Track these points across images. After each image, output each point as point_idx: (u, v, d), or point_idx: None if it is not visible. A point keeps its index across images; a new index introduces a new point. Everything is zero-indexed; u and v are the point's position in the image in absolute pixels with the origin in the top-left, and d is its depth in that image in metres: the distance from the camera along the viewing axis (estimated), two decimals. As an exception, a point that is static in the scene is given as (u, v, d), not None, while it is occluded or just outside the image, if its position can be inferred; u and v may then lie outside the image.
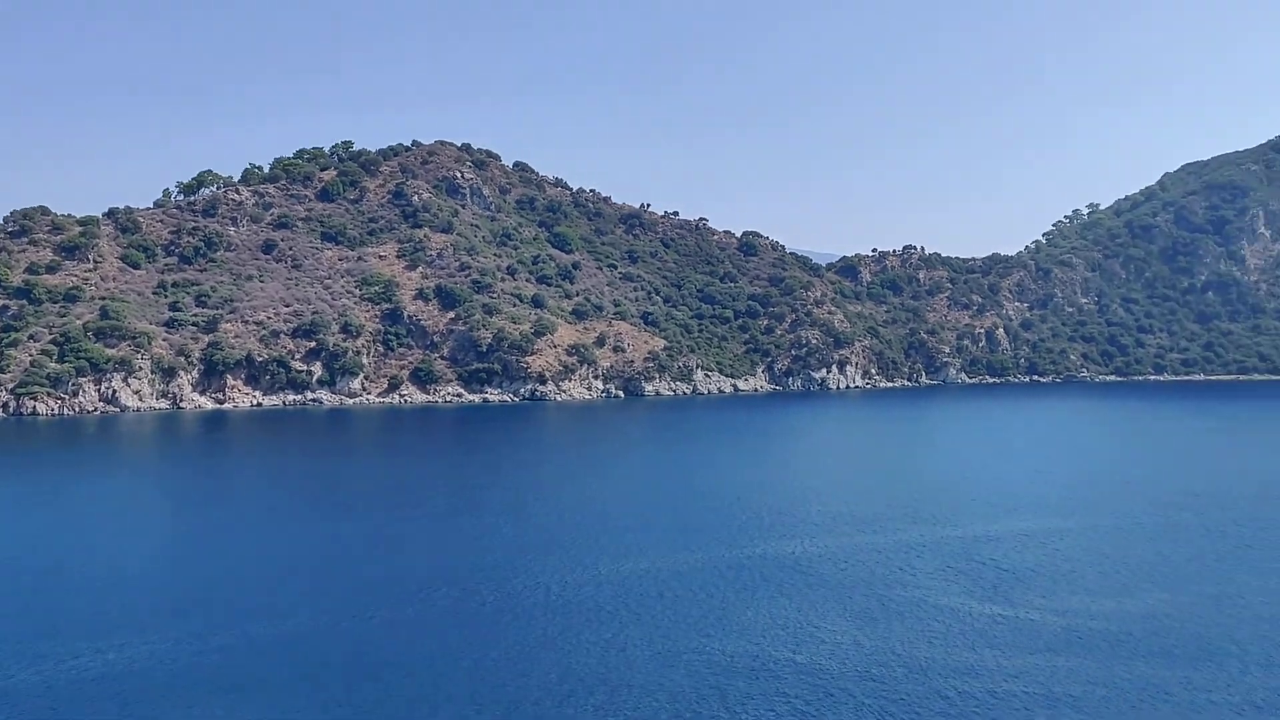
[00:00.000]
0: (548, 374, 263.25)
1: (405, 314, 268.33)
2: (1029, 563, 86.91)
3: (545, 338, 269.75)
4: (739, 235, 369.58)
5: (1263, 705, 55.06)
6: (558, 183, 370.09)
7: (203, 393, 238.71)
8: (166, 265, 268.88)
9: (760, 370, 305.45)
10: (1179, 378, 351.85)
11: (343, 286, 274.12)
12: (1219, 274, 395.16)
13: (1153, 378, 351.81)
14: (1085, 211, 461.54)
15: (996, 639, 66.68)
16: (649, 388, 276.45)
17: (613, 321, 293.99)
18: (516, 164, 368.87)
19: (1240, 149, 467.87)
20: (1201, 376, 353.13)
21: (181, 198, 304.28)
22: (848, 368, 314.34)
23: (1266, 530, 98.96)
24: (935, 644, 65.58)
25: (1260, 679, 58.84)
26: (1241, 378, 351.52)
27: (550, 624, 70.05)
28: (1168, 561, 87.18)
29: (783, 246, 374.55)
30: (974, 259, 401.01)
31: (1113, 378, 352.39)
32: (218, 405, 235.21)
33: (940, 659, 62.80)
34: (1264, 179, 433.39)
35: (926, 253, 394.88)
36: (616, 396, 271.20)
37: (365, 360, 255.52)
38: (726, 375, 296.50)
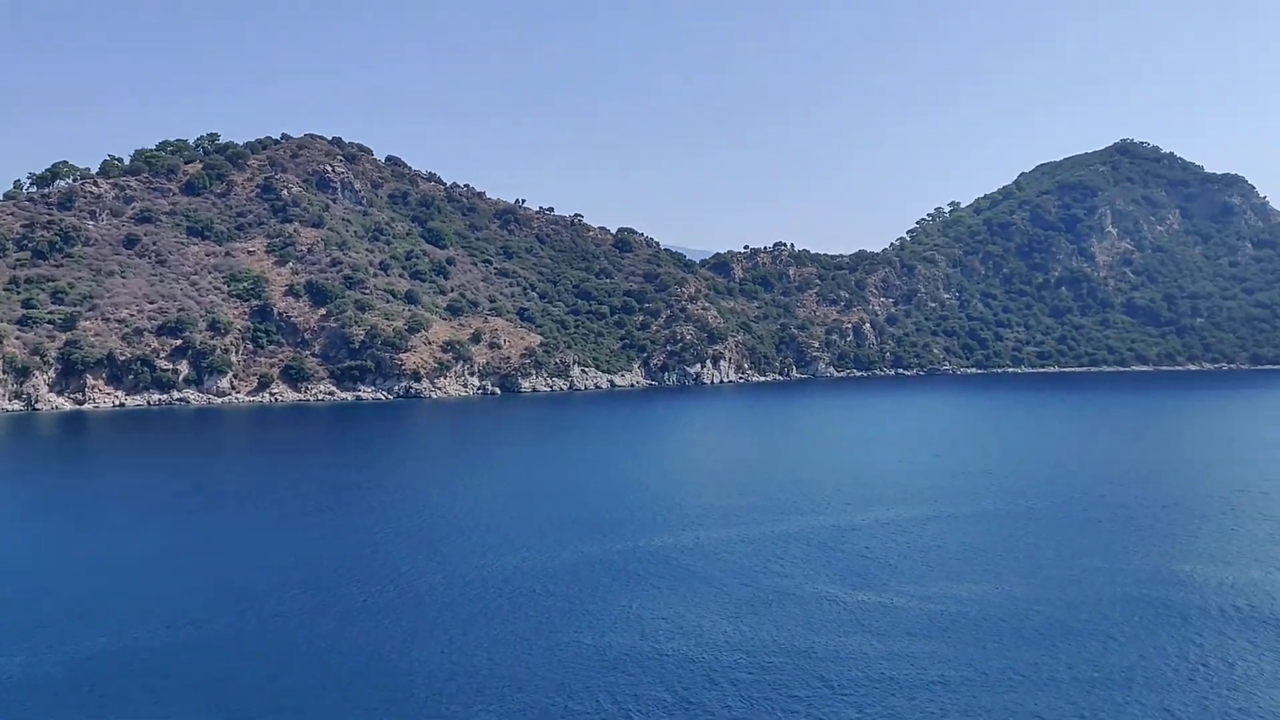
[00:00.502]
0: (422, 371, 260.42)
1: (275, 311, 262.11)
2: (896, 550, 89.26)
3: (420, 334, 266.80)
4: (614, 232, 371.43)
5: (1108, 681, 57.65)
6: (431, 177, 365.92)
7: (60, 393, 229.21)
8: (19, 260, 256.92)
9: (636, 366, 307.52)
10: (1034, 370, 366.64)
11: (210, 283, 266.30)
12: (1071, 270, 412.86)
13: (1010, 370, 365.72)
14: (947, 210, 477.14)
15: (867, 625, 68.36)
16: (525, 384, 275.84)
17: (488, 318, 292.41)
18: (389, 158, 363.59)
19: (1090, 150, 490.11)
20: (1055, 368, 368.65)
21: (34, 189, 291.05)
22: (721, 363, 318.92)
23: (1112, 514, 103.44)
24: (808, 631, 66.97)
25: (1105, 656, 61.62)
26: (1092, 369, 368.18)
27: (427, 622, 69.45)
28: (1024, 547, 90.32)
29: (657, 243, 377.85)
30: (842, 256, 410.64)
31: (973, 370, 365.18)
32: (77, 406, 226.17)
33: (814, 645, 64.15)
34: (1111, 179, 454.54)
35: (796, 250, 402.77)
36: (493, 393, 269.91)
37: (234, 358, 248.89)
38: (603, 371, 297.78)
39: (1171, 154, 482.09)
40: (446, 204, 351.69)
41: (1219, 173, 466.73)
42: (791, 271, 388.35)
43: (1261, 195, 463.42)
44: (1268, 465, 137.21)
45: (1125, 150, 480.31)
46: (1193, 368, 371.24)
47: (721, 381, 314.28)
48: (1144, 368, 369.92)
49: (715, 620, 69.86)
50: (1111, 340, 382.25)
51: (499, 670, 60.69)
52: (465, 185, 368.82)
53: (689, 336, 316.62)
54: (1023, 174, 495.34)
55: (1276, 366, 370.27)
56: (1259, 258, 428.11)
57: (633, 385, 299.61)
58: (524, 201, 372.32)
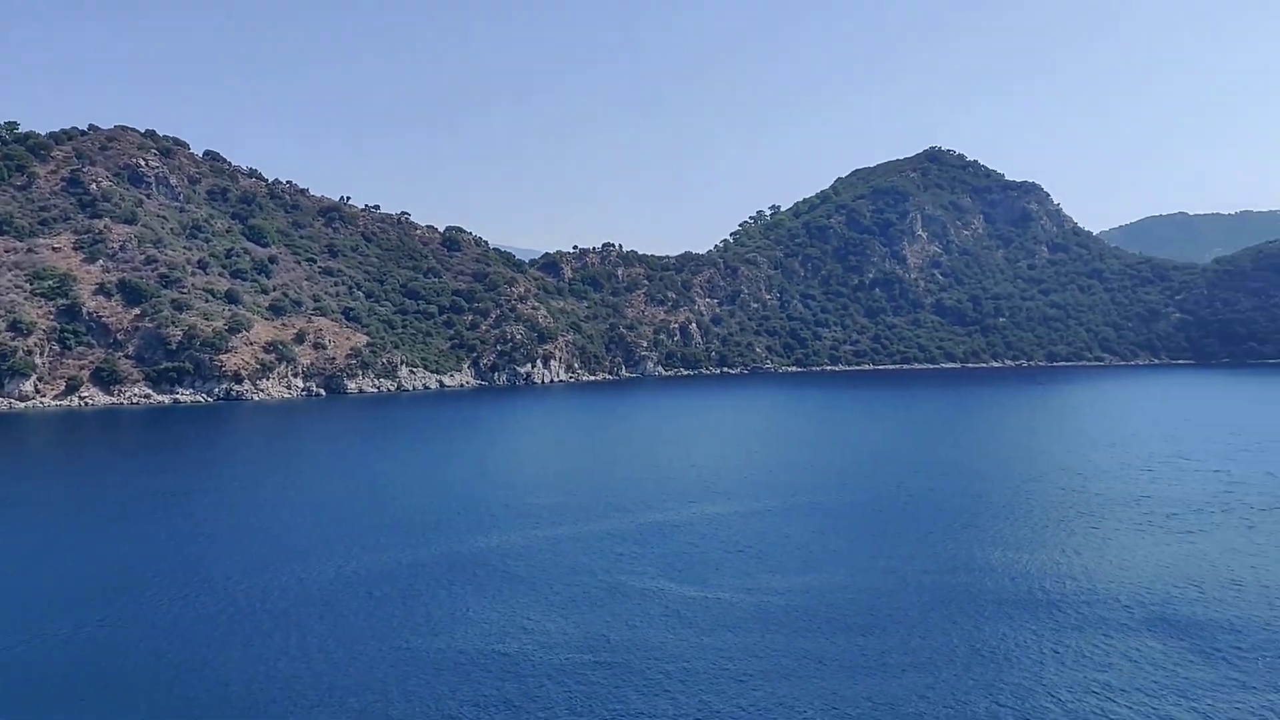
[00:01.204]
0: (244, 373, 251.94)
1: (84, 310, 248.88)
2: (721, 545, 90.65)
3: (241, 335, 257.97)
4: (442, 230, 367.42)
5: (922, 665, 60.16)
6: (252, 173, 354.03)
7: None
8: None
9: (466, 366, 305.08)
10: (851, 368, 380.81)
11: (11, 281, 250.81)
12: (885, 272, 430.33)
13: (828, 368, 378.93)
14: (768, 213, 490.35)
15: (692, 619, 69.28)
16: (352, 385, 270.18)
17: (313, 317, 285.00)
18: (207, 153, 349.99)
19: (901, 157, 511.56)
20: (870, 366, 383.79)
21: None
22: (552, 362, 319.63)
23: (923, 504, 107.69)
24: (636, 627, 67.55)
25: (919, 643, 64.21)
26: (904, 367, 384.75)
27: (246, 630, 67.18)
28: (841, 538, 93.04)
29: (486, 242, 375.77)
30: (668, 257, 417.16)
31: (794, 368, 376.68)
32: None
33: (642, 641, 64.81)
34: (921, 185, 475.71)
35: (624, 250, 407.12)
36: (318, 395, 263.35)
37: (38, 360, 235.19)
38: (432, 371, 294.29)
39: (976, 162, 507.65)
40: (268, 201, 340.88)
41: (1018, 180, 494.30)
42: (620, 272, 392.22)
43: (1056, 202, 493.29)
44: (1062, 457, 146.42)
45: (934, 158, 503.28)
46: (995, 365, 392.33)
47: (552, 381, 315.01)
48: (952, 365, 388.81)
49: (545, 619, 69.80)
50: (922, 339, 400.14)
51: (323, 677, 59.31)
52: (288, 182, 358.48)
53: (519, 336, 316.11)
54: (839, 179, 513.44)
55: (1070, 363, 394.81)
56: (1054, 261, 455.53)
57: (462, 386, 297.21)
58: (349, 199, 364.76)
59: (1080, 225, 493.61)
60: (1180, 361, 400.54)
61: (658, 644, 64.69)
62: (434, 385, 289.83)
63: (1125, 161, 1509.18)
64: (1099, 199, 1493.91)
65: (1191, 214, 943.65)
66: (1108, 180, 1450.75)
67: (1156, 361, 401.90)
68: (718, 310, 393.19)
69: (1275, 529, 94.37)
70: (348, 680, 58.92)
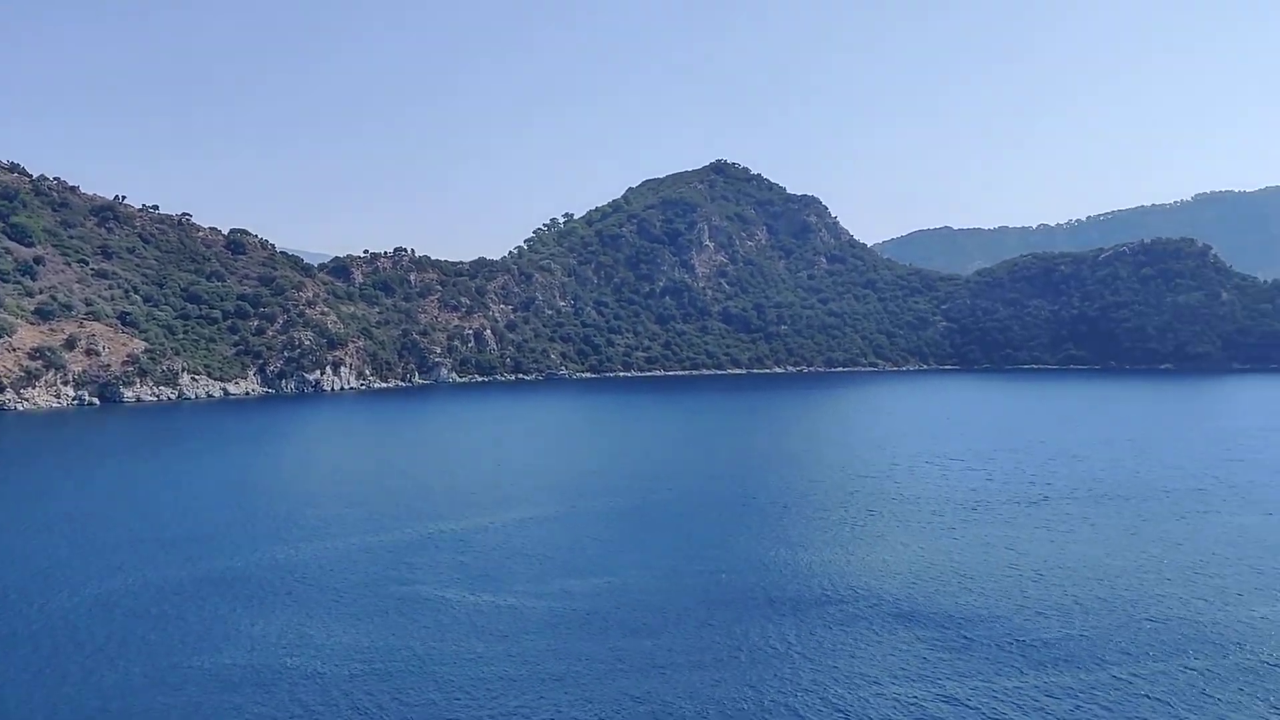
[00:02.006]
0: (5, 381, 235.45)
1: None
2: (516, 551, 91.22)
3: (3, 340, 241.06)
4: (226, 233, 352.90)
5: (707, 664, 62.40)
6: (14, 168, 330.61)
7: None
8: None
9: (252, 373, 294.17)
10: (643, 374, 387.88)
11: None
12: (674, 281, 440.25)
13: (621, 374, 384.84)
14: (562, 221, 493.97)
15: (488, 626, 69.64)
16: (129, 393, 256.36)
17: (84, 322, 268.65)
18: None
19: (689, 169, 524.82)
20: (661, 372, 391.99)
21: None
22: (342, 369, 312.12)
23: (714, 506, 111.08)
24: (430, 637, 67.42)
25: (704, 642, 66.58)
26: (693, 372, 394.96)
27: (10, 656, 63.65)
28: (635, 540, 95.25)
29: (272, 245, 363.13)
30: (462, 263, 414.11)
31: (588, 375, 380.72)
32: None
33: (436, 651, 64.70)
34: (708, 196, 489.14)
35: (417, 255, 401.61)
36: (91, 404, 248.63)
37: None
38: (216, 379, 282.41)
39: (759, 175, 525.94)
40: (33, 198, 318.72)
41: (799, 194, 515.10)
42: (413, 277, 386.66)
43: (833, 215, 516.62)
44: (839, 458, 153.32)
45: (720, 170, 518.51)
46: (778, 370, 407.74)
47: (343, 388, 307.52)
48: (738, 370, 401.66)
49: (336, 632, 68.82)
50: (710, 345, 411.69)
51: (98, 702, 56.87)
52: (56, 179, 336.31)
53: (308, 342, 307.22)
54: (630, 189, 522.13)
55: (846, 368, 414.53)
56: (832, 271, 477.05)
57: (248, 393, 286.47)
58: (124, 198, 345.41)
59: (856, 237, 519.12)
60: (946, 367, 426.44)
61: (450, 652, 64.70)
62: (218, 393, 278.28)
63: (896, 177, 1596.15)
64: (872, 213, 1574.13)
65: (955, 228, 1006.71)
66: (880, 195, 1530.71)
67: (925, 367, 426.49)
68: (512, 316, 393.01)
69: (1029, 522, 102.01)
70: (124, 703, 56.69)
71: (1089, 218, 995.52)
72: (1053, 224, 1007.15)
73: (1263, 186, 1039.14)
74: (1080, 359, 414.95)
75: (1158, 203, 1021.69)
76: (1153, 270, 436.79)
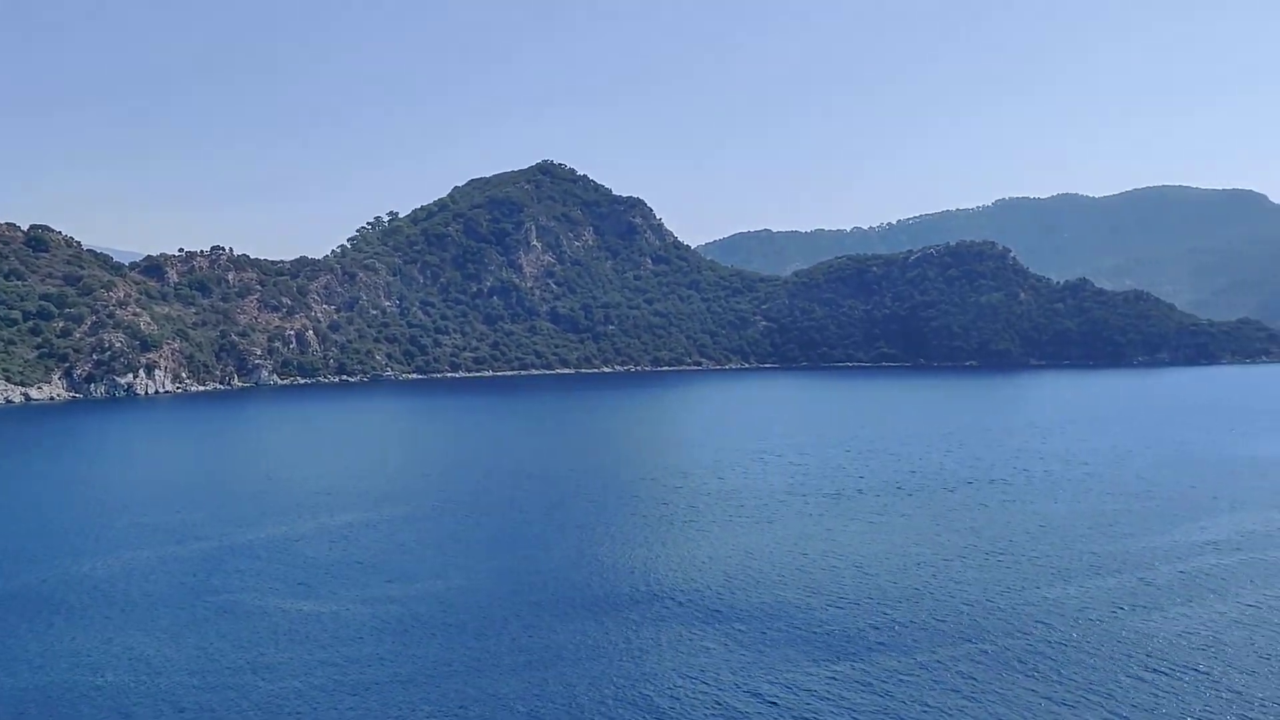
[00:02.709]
0: None
1: None
2: (340, 556, 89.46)
3: None
4: (26, 229, 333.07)
5: (535, 664, 62.54)
6: None
7: None
8: None
9: (57, 377, 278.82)
10: (471, 374, 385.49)
11: None
12: (502, 281, 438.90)
13: (449, 375, 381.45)
14: (386, 219, 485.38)
15: (309, 635, 68.00)
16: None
17: None
18: None
19: (516, 168, 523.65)
20: (490, 373, 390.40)
21: None
22: (156, 372, 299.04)
23: (541, 505, 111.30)
24: (249, 647, 65.35)
25: (532, 641, 66.63)
26: (522, 372, 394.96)
27: None
28: (461, 543, 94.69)
29: (79, 243, 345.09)
30: (283, 262, 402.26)
31: (415, 376, 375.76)
32: None
33: (254, 661, 62.71)
34: (535, 196, 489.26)
35: (235, 254, 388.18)
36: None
37: None
38: (16, 383, 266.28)
39: (586, 176, 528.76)
40: None
41: (624, 195, 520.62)
42: (231, 276, 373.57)
43: (658, 217, 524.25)
44: (665, 455, 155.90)
45: (546, 170, 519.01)
46: (606, 370, 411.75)
47: (157, 392, 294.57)
48: (567, 370, 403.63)
49: (150, 644, 66.12)
50: (539, 345, 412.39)
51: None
52: None
53: (118, 344, 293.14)
54: (456, 188, 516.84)
55: (672, 367, 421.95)
56: (657, 272, 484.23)
57: (53, 399, 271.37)
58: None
59: (680, 239, 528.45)
60: (767, 365, 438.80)
61: (274, 662, 62.96)
62: (18, 399, 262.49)
63: (719, 181, 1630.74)
64: (696, 215, 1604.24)
65: (775, 230, 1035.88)
66: (703, 198, 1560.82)
67: (747, 366, 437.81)
68: (336, 317, 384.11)
69: (844, 515, 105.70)
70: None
71: (899, 221, 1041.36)
72: (866, 227, 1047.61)
73: (1054, 194, 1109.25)
74: (892, 356, 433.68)
75: (961, 207, 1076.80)
76: (958, 272, 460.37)
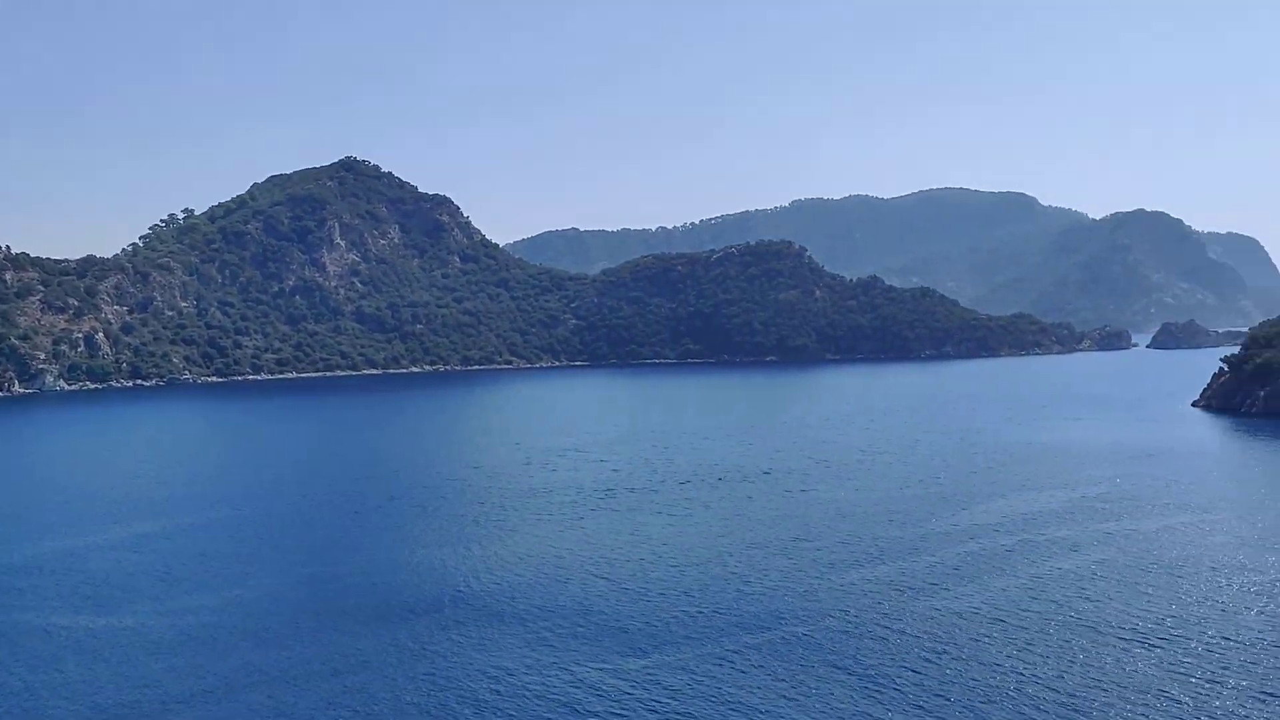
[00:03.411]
0: None
1: None
2: (132, 569, 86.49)
3: None
4: None
5: (351, 669, 62.10)
6: None
7: None
8: None
9: None
10: (274, 376, 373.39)
11: None
12: (305, 280, 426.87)
13: (252, 377, 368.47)
14: (181, 216, 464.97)
15: (103, 652, 65.66)
16: None
17: None
18: None
19: (318, 165, 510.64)
20: (294, 374, 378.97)
21: None
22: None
23: (348, 511, 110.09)
24: (34, 668, 62.27)
25: (345, 647, 66.06)
26: (328, 374, 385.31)
27: None
28: (265, 550, 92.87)
29: None
30: (68, 261, 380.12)
31: (215, 379, 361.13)
32: None
33: (43, 682, 59.76)
34: (339, 194, 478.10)
35: (14, 252, 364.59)
36: None
37: None
38: None
39: (390, 174, 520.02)
40: None
41: (431, 193, 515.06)
42: (9, 275, 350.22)
43: (466, 215, 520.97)
44: (476, 455, 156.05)
45: (350, 167, 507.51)
46: (415, 370, 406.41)
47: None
48: (374, 371, 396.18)
49: None
50: (344, 346, 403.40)
51: None
52: None
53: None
54: (256, 184, 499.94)
55: (483, 366, 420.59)
56: (466, 271, 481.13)
57: None
58: None
59: (488, 237, 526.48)
60: (577, 363, 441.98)
61: (60, 682, 60.44)
62: None
63: (526, 180, 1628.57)
64: (503, 213, 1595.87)
65: (582, 230, 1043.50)
66: (510, 197, 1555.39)
67: (557, 364, 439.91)
68: (128, 318, 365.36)
69: (652, 508, 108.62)
70: None
71: (702, 221, 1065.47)
72: (670, 226, 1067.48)
73: (846, 195, 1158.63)
74: (697, 353, 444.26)
75: (761, 208, 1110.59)
76: (758, 270, 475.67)
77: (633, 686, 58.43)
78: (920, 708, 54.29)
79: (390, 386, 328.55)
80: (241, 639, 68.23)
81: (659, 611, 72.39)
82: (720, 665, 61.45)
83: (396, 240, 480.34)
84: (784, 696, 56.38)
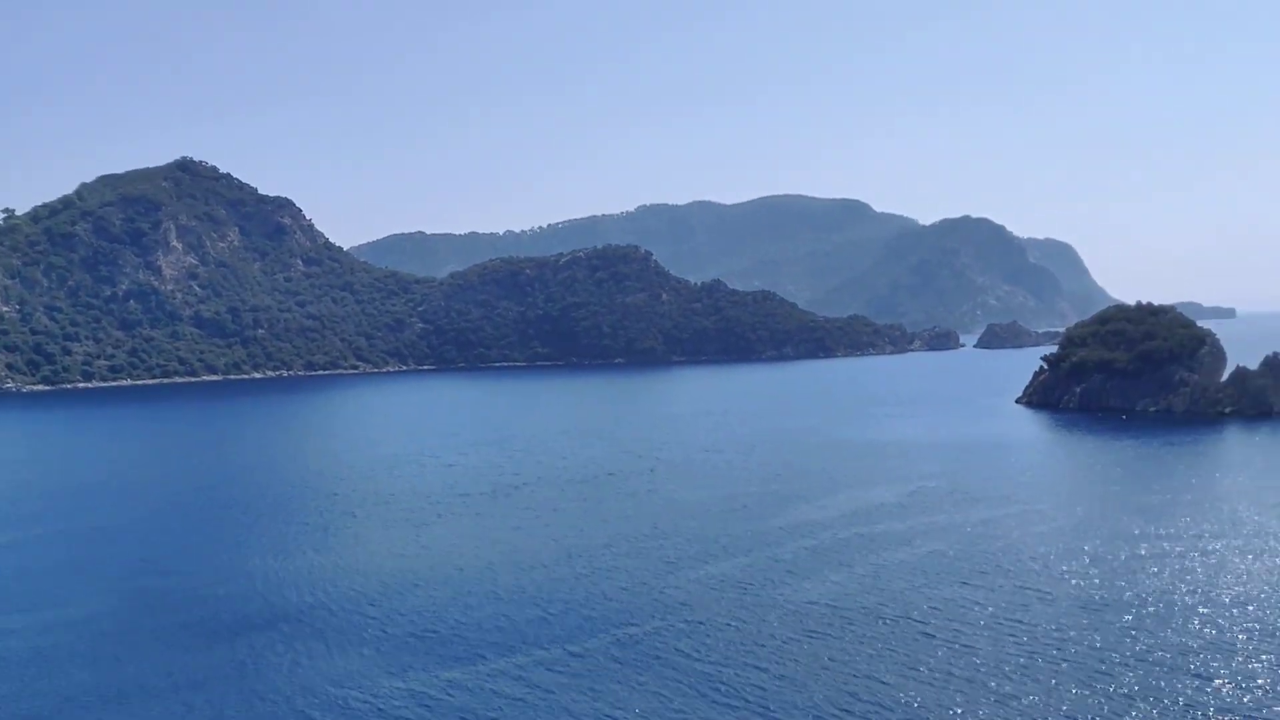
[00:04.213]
0: None
1: None
2: None
3: None
4: None
5: (179, 688, 59.68)
6: None
7: None
8: None
9: None
10: (107, 384, 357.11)
11: None
12: (139, 283, 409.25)
13: (82, 385, 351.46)
14: (1, 217, 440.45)
15: None
16: None
17: None
18: None
19: (152, 165, 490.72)
20: (129, 381, 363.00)
21: None
22: None
23: (186, 522, 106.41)
24: None
25: (171, 665, 63.57)
26: (165, 380, 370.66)
27: None
28: (93, 564, 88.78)
29: None
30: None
31: (42, 387, 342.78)
32: None
33: None
34: (175, 195, 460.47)
35: None
36: None
37: None
38: None
39: (229, 175, 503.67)
40: None
41: (272, 195, 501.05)
42: None
43: (308, 218, 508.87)
44: (321, 461, 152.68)
45: (186, 168, 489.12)
46: (258, 375, 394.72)
47: None
48: (214, 377, 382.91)
49: None
50: (182, 352, 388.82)
51: None
52: None
53: None
54: (85, 184, 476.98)
55: (328, 371, 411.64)
56: (309, 274, 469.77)
57: None
58: None
59: (332, 240, 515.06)
60: (425, 367, 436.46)
61: None
62: None
63: (371, 183, 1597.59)
64: (347, 216, 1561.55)
65: (429, 233, 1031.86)
66: (355, 199, 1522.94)
67: (405, 368, 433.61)
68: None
69: (499, 512, 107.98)
70: None
71: (550, 225, 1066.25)
72: (519, 230, 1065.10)
73: (691, 200, 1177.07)
74: (546, 356, 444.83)
75: (608, 212, 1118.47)
76: (605, 274, 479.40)
77: (472, 696, 57.58)
78: (756, 702, 55.35)
79: (231, 393, 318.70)
80: (69, 659, 64.92)
81: (505, 616, 71.84)
82: (563, 670, 61.27)
83: (236, 243, 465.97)
84: (624, 697, 56.66)
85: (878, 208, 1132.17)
